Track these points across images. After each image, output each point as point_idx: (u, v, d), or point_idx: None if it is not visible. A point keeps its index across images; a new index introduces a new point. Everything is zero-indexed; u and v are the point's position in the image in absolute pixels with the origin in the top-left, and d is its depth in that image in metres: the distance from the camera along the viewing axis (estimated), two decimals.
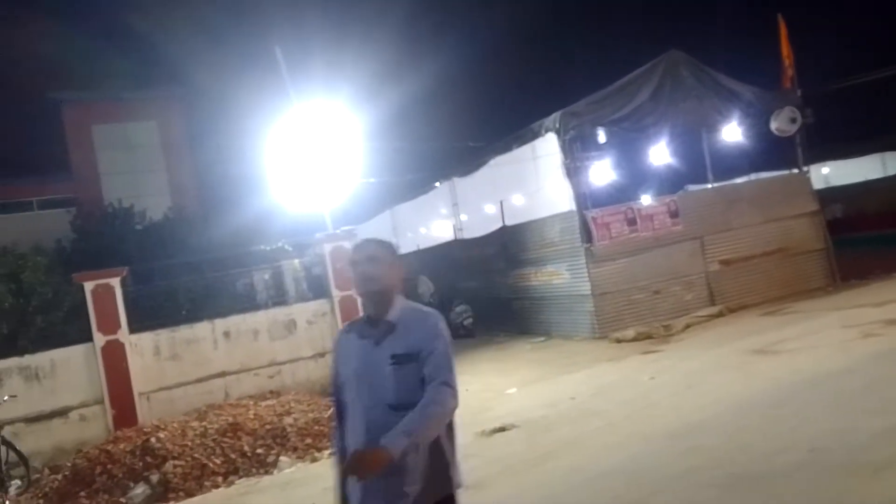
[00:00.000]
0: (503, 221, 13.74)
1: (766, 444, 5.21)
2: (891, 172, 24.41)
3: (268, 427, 7.45)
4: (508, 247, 13.55)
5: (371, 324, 2.70)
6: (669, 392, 7.42)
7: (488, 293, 14.51)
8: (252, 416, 7.82)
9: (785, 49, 13.32)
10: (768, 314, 10.91)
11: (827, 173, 25.10)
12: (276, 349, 9.92)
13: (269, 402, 8.31)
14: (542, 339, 12.23)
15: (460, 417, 8.01)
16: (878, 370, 6.65)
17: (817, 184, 15.55)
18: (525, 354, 11.35)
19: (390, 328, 2.63)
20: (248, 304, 10.13)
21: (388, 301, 2.66)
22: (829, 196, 17.79)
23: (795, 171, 13.36)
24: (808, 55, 13.50)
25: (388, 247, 2.75)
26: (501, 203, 13.85)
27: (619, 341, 10.62)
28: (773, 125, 12.78)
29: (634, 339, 10.51)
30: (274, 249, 10.76)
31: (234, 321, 9.74)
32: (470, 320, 14.01)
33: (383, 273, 2.65)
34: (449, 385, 2.58)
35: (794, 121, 12.78)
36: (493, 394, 8.88)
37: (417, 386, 2.54)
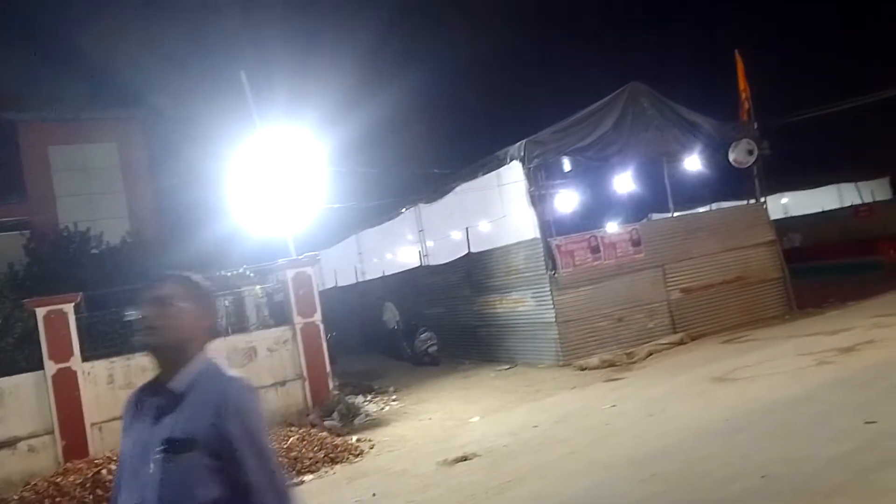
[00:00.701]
0: (469, 248, 13.77)
1: (722, 470, 5.25)
2: (847, 203, 25.26)
3: None
4: (474, 274, 13.57)
5: (155, 392, 1.99)
6: (631, 420, 7.45)
7: (454, 320, 14.47)
8: None
9: (742, 83, 13.75)
10: (727, 342, 11.08)
11: (786, 203, 25.89)
12: None
13: None
14: (507, 366, 12.21)
15: (423, 447, 7.92)
16: (831, 398, 6.78)
17: (776, 213, 16.01)
18: (489, 382, 11.30)
19: (175, 400, 1.92)
20: None
21: (180, 360, 1.98)
22: (788, 226, 18.31)
23: (753, 201, 13.70)
24: (766, 89, 13.97)
25: (189, 285, 2.09)
26: (467, 230, 13.90)
27: (582, 369, 10.65)
28: (731, 157, 13.14)
29: (598, 367, 10.56)
30: (235, 275, 10.58)
31: None
32: (434, 348, 13.93)
33: (173, 321, 1.98)
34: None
35: (751, 153, 13.16)
36: (457, 422, 8.79)
37: (194, 486, 1.82)
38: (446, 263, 14.72)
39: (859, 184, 27.30)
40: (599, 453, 6.40)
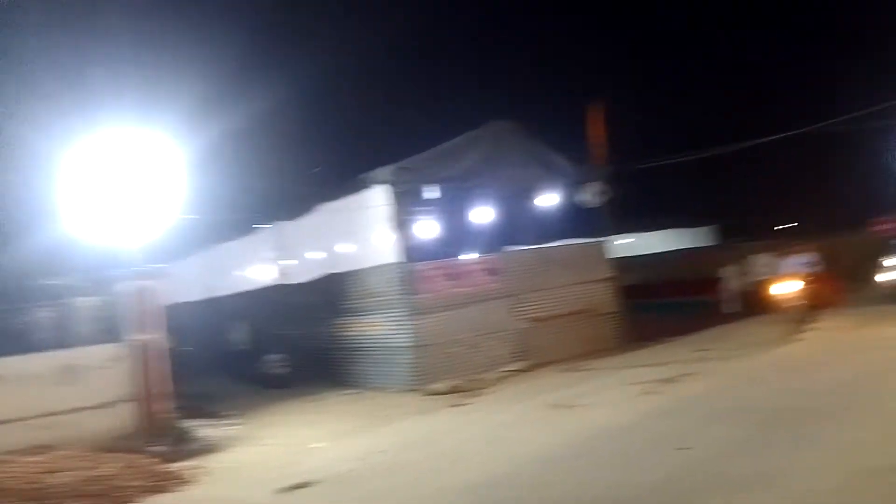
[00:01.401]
0: (329, 269, 13.56)
1: (559, 495, 5.52)
2: (683, 246, 27.92)
3: (31, 487, 6.49)
4: (332, 295, 13.35)
5: None
6: (476, 445, 7.62)
7: (309, 342, 14.10)
8: (11, 474, 6.78)
9: (597, 129, 14.78)
10: (568, 370, 11.69)
11: (631, 242, 28.05)
12: (56, 397, 8.76)
13: (36, 458, 7.27)
14: (359, 390, 12.06)
15: (263, 473, 7.54)
16: (656, 426, 7.34)
17: (623, 252, 17.27)
18: (340, 406, 11.10)
19: None
20: (25, 344, 8.91)
21: None
22: (631, 264, 19.71)
23: (599, 239, 14.68)
24: (622, 136, 15.06)
25: None
26: (328, 250, 13.69)
27: (433, 394, 10.76)
28: (582, 197, 14.08)
29: (448, 392, 10.72)
30: (66, 285, 9.64)
31: (1, 364, 8.51)
32: (285, 370, 13.46)
33: None
34: None
35: (599, 194, 14.18)
36: (300, 447, 8.52)
37: None
38: (304, 283, 14.38)
39: (694, 229, 30.38)
40: (444, 479, 6.45)
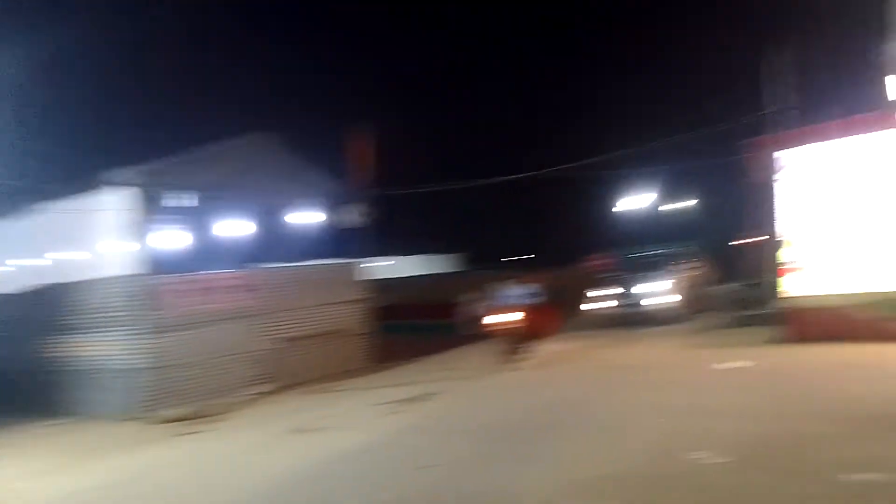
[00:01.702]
0: (45, 279, 11.76)
1: None
2: (437, 270, 29.66)
3: None
4: (46, 309, 11.58)
5: None
6: (205, 477, 7.08)
7: (11, 363, 12.00)
8: None
9: (360, 152, 14.96)
10: (317, 392, 11.53)
11: (389, 265, 29.06)
12: None
13: None
14: (74, 419, 10.54)
15: None
16: (400, 444, 7.49)
17: (381, 274, 17.67)
18: (44, 439, 9.55)
19: None
20: None
21: None
22: (387, 286, 20.33)
23: (353, 260, 14.82)
24: (388, 161, 15.38)
25: None
26: (47, 257, 11.88)
27: (165, 421, 9.81)
28: (341, 217, 14.21)
29: (182, 419, 9.84)
30: None
31: None
32: None
33: None
34: None
35: (358, 216, 14.42)
36: None
37: None
38: (14, 294, 12.35)
39: (446, 255, 32.48)
40: None
